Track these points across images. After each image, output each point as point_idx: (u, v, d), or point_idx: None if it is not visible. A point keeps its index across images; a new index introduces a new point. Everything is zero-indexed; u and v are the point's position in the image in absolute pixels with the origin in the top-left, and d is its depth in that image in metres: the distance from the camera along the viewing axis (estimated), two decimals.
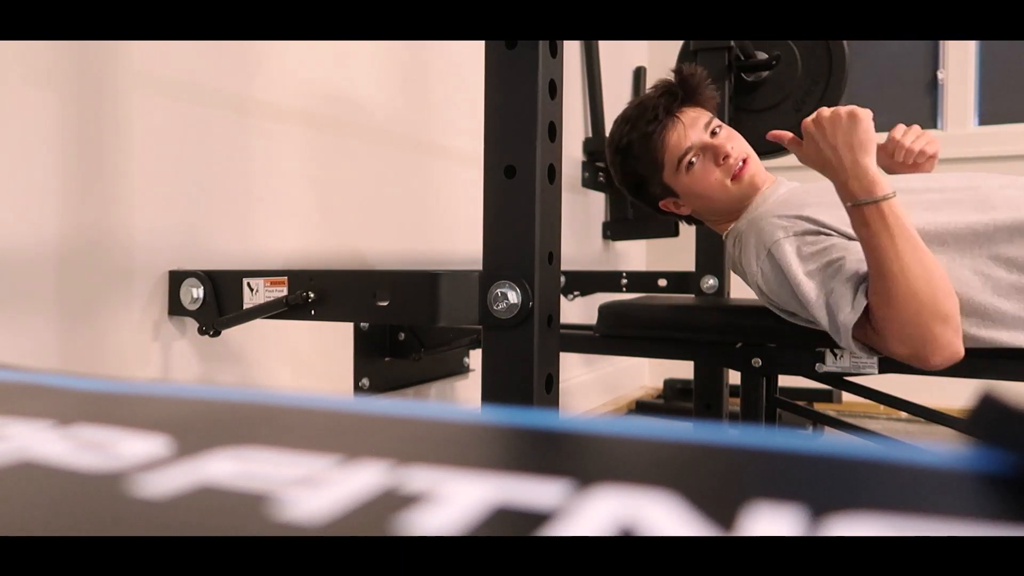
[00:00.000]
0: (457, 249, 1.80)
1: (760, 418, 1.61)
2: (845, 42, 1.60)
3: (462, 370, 1.75)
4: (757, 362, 1.22)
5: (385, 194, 1.57)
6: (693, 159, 1.24)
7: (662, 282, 2.05)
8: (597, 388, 2.60)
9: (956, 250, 1.07)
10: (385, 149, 1.57)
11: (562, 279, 1.11)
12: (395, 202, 1.60)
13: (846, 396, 2.45)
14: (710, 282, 1.85)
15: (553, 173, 0.86)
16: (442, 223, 1.76)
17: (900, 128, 1.36)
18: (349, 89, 1.46)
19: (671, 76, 1.31)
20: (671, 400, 2.66)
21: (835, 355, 1.17)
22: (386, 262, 1.56)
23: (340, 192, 1.44)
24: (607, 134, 2.49)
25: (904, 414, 2.27)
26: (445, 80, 1.76)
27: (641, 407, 2.67)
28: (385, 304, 0.93)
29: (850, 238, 1.07)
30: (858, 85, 2.61)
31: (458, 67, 1.77)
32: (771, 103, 1.72)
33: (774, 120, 1.66)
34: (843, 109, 1.03)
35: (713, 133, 1.24)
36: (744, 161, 1.24)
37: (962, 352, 1.00)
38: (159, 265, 1.08)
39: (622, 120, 1.31)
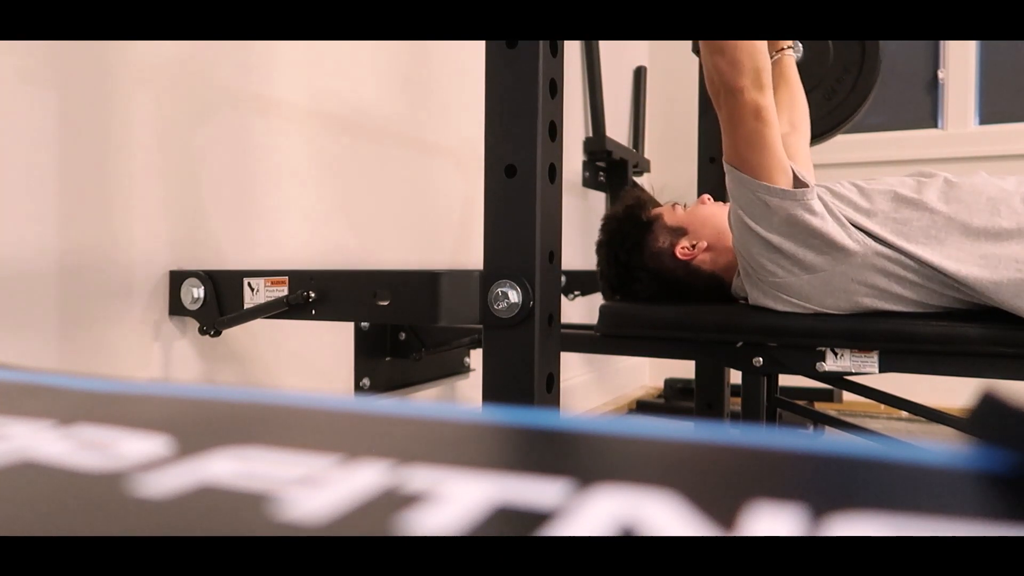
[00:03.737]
0: (460, 253, 1.80)
1: (761, 417, 1.61)
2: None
3: (463, 370, 1.75)
4: (758, 361, 1.22)
5: (388, 198, 1.57)
6: (684, 204, 1.39)
7: None
8: (598, 387, 2.60)
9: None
10: (389, 152, 1.57)
11: (563, 279, 1.11)
12: (398, 205, 1.60)
13: (847, 395, 2.45)
14: None
15: (554, 172, 0.86)
16: (448, 228, 1.76)
17: None
18: (352, 91, 1.46)
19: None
20: (672, 399, 2.66)
21: (836, 354, 1.17)
22: (388, 264, 1.56)
23: (342, 194, 1.44)
24: (605, 134, 2.50)
25: (905, 413, 2.27)
26: (449, 82, 1.76)
27: (642, 406, 2.67)
28: (386, 304, 0.93)
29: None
30: None
31: (461, 70, 1.77)
32: None
33: None
34: None
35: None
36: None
37: (739, 82, 1.08)
38: (159, 265, 1.08)
39: (605, 217, 1.44)
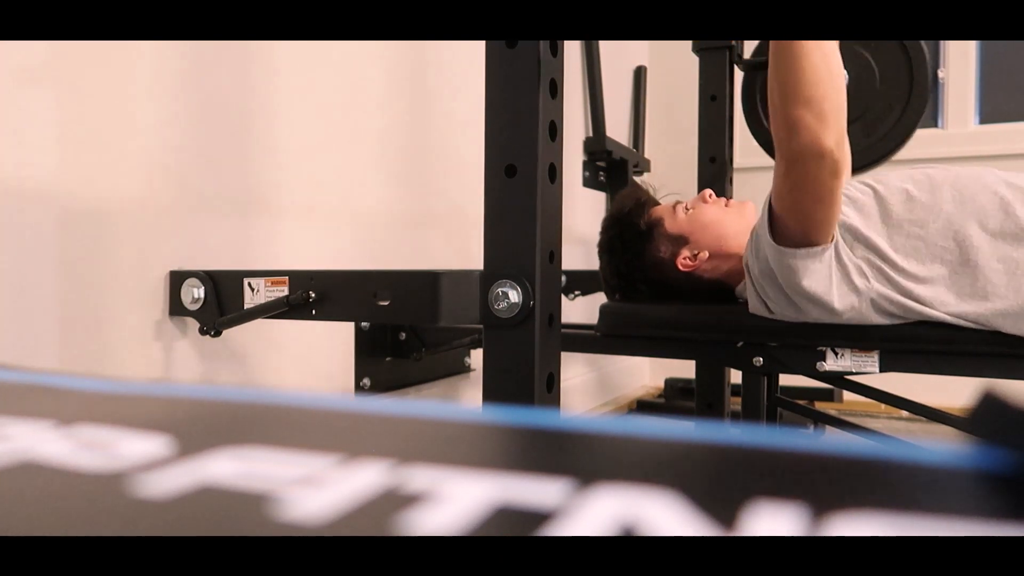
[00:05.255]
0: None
1: (761, 417, 1.61)
2: (928, 65, 1.47)
3: (463, 370, 1.75)
4: (758, 361, 1.22)
5: (389, 214, 1.57)
6: (688, 206, 1.34)
7: None
8: (598, 387, 2.60)
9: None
10: (391, 166, 1.57)
11: (563, 279, 1.11)
12: (399, 222, 1.60)
13: (847, 395, 2.45)
14: None
15: (554, 172, 0.86)
16: (449, 248, 1.77)
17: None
18: (354, 102, 1.46)
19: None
20: (672, 399, 2.66)
21: (836, 354, 1.17)
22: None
23: (343, 206, 1.44)
24: (605, 134, 2.50)
25: (905, 413, 2.27)
26: (451, 106, 1.76)
27: (642, 406, 2.67)
28: (386, 304, 0.93)
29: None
30: None
31: (463, 90, 1.77)
32: None
33: None
34: None
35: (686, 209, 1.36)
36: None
37: (825, 143, 0.98)
38: (159, 265, 1.08)
39: (605, 221, 1.41)
